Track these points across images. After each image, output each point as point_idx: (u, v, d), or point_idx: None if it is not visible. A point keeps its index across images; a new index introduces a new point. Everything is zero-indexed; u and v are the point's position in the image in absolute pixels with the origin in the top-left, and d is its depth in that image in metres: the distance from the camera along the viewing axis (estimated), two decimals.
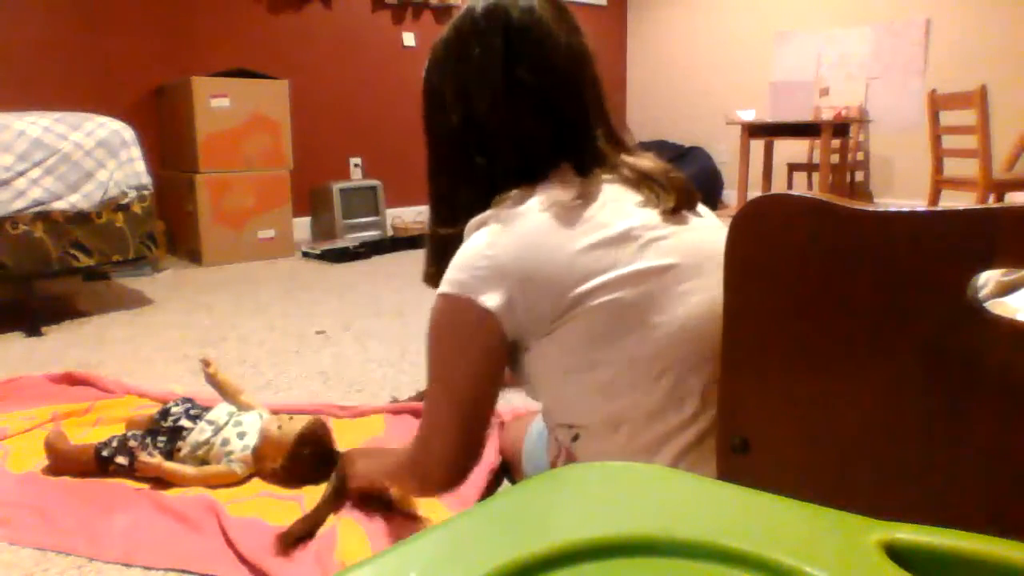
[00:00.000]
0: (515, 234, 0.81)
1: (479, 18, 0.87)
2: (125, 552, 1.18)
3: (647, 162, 0.89)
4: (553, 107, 0.86)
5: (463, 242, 0.85)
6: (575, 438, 0.86)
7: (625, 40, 6.39)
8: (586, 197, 0.82)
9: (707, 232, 0.86)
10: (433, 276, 0.90)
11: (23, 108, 2.81)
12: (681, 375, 0.80)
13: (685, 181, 0.88)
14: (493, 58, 0.85)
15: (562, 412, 0.87)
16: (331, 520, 1.25)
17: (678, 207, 0.85)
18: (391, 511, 1.25)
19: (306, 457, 1.38)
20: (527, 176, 0.86)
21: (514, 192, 0.84)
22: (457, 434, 0.89)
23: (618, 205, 0.83)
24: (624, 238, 0.80)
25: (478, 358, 0.84)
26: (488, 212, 0.84)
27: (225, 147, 3.61)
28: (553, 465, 0.92)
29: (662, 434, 0.81)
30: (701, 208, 0.91)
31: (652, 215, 0.83)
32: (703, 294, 0.81)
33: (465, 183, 0.89)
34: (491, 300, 0.80)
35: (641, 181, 0.86)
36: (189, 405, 1.51)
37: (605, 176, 0.86)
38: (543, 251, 0.79)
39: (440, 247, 0.90)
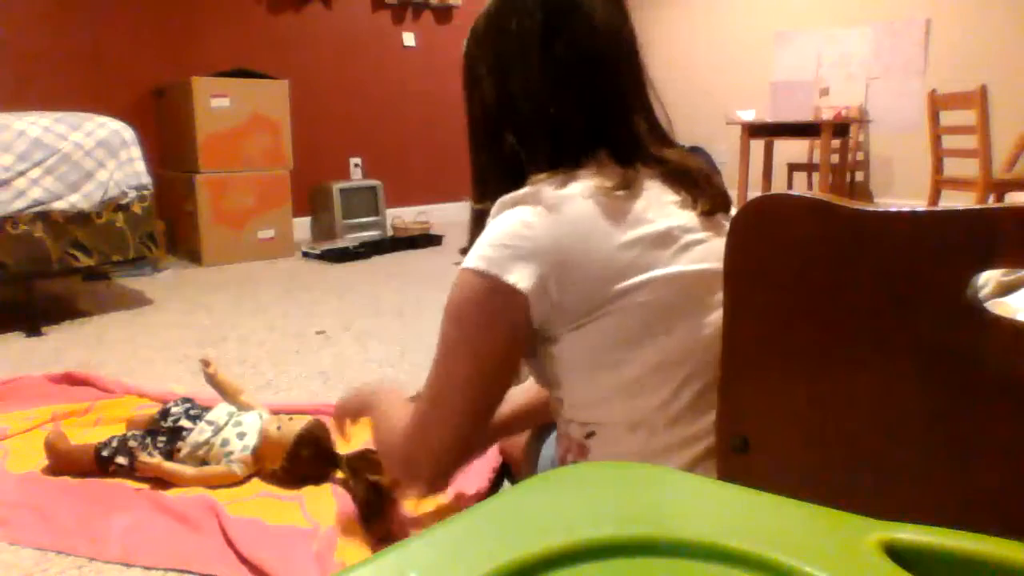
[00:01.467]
0: (559, 218, 0.77)
1: None
2: (125, 552, 1.18)
3: (688, 161, 0.87)
4: (589, 89, 0.83)
5: (491, 219, 0.82)
6: (589, 435, 0.84)
7: None
8: (629, 189, 0.80)
9: None
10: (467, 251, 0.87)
11: (23, 108, 2.81)
12: (707, 383, 0.79)
13: (721, 184, 0.87)
14: (531, 33, 0.82)
15: (580, 409, 0.85)
16: (331, 519, 1.25)
17: (713, 210, 0.84)
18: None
19: (305, 458, 1.38)
20: (560, 159, 0.82)
21: (549, 175, 0.81)
22: (458, 427, 0.84)
23: (658, 202, 0.81)
24: (665, 238, 0.78)
25: (498, 340, 0.80)
26: (524, 191, 0.80)
27: (225, 147, 3.61)
28: (562, 461, 0.91)
29: (679, 440, 0.80)
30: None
31: (690, 216, 0.82)
32: None
33: (497, 160, 0.86)
34: (522, 280, 0.76)
35: (680, 180, 0.84)
36: (189, 405, 1.51)
37: (645, 170, 0.83)
38: (586, 240, 0.77)
39: (477, 224, 0.86)
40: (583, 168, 0.82)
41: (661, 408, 0.79)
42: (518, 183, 0.82)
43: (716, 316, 0.78)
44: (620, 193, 0.79)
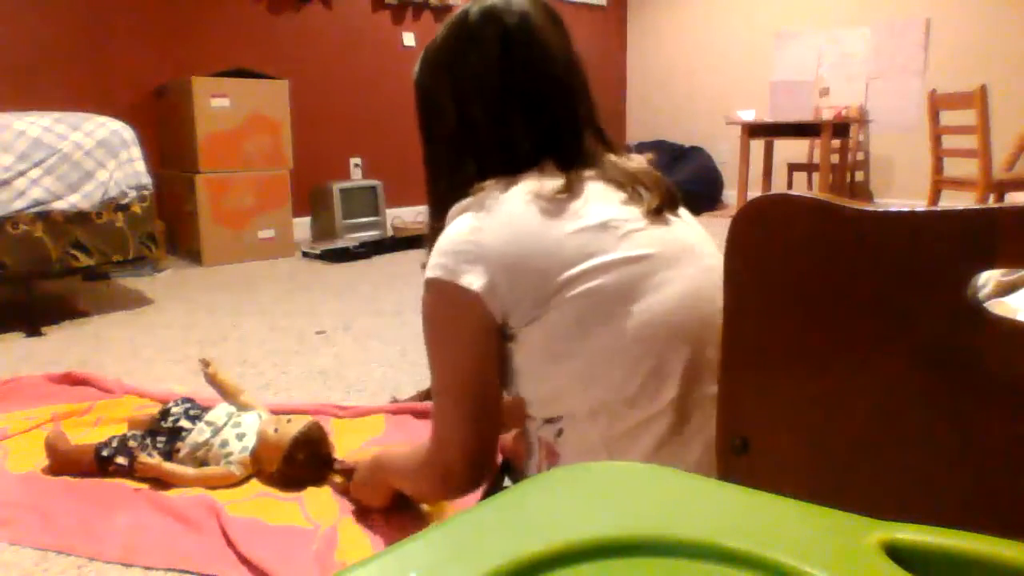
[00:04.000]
0: (499, 220, 0.83)
1: (474, 24, 0.88)
2: (125, 552, 1.18)
3: (632, 164, 0.92)
4: (545, 112, 0.88)
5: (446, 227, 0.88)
6: (559, 433, 0.87)
7: (625, 40, 6.39)
8: (568, 191, 0.84)
9: (686, 229, 0.89)
10: None
11: (23, 108, 2.81)
12: (659, 362, 0.82)
13: (669, 183, 0.91)
14: (489, 63, 0.87)
15: (545, 404, 0.88)
16: (331, 519, 1.25)
17: (661, 207, 0.87)
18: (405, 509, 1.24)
19: (301, 461, 1.37)
20: (510, 171, 0.88)
21: (493, 181, 0.86)
22: (471, 425, 0.89)
23: (600, 200, 0.85)
24: (603, 228, 0.83)
25: (473, 340, 0.85)
26: (469, 199, 0.86)
27: (225, 147, 3.61)
28: (539, 470, 0.92)
29: (640, 421, 0.82)
30: (683, 212, 0.93)
31: (633, 211, 0.86)
32: (679, 283, 0.83)
33: (458, 182, 0.91)
34: (474, 282, 0.82)
35: (625, 180, 0.89)
36: (189, 405, 1.51)
37: (588, 174, 0.88)
38: (527, 238, 0.82)
39: (435, 240, 0.92)
40: (526, 174, 0.86)
41: (618, 391, 0.82)
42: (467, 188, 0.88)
43: (661, 298, 0.82)
44: (560, 195, 0.84)
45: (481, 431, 0.90)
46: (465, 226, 0.84)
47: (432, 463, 0.95)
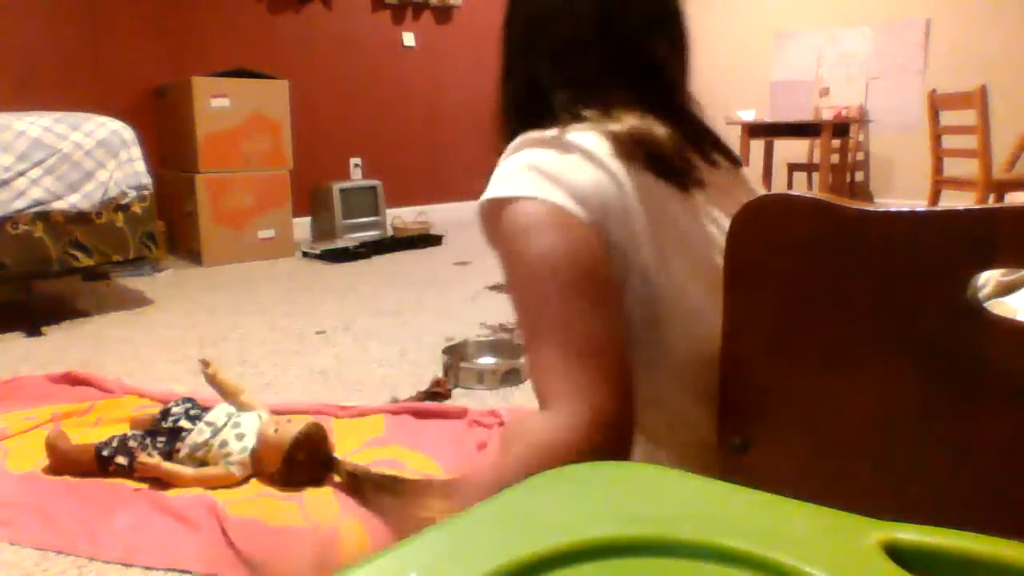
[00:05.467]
0: (607, 176, 0.69)
1: None
2: (125, 552, 1.18)
3: (704, 124, 0.85)
4: (616, 20, 0.81)
5: (517, 151, 0.73)
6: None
7: None
8: (674, 165, 0.74)
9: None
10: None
11: (23, 108, 2.81)
12: (703, 387, 0.72)
13: (730, 149, 0.86)
14: None
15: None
16: (331, 519, 1.25)
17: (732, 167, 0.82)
18: None
19: (301, 462, 1.37)
20: (585, 94, 0.77)
21: (592, 121, 0.74)
22: (607, 384, 0.62)
23: (698, 181, 0.77)
24: (699, 226, 0.74)
25: (574, 248, 0.65)
26: (570, 138, 0.72)
27: (225, 147, 3.61)
28: None
29: (677, 442, 0.78)
30: (745, 175, 0.87)
31: (718, 196, 0.78)
32: None
33: (525, 86, 0.82)
34: (578, 210, 0.66)
35: (703, 143, 0.82)
36: (189, 405, 1.51)
37: (678, 127, 0.79)
38: (638, 202, 0.69)
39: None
40: (620, 112, 0.76)
41: (660, 411, 0.77)
42: (542, 116, 0.76)
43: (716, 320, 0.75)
44: (663, 167, 0.73)
45: (615, 390, 0.62)
46: (563, 159, 0.70)
47: (572, 425, 0.59)
